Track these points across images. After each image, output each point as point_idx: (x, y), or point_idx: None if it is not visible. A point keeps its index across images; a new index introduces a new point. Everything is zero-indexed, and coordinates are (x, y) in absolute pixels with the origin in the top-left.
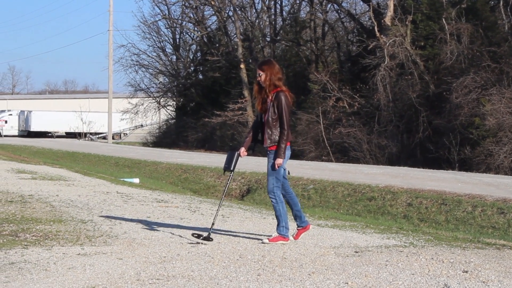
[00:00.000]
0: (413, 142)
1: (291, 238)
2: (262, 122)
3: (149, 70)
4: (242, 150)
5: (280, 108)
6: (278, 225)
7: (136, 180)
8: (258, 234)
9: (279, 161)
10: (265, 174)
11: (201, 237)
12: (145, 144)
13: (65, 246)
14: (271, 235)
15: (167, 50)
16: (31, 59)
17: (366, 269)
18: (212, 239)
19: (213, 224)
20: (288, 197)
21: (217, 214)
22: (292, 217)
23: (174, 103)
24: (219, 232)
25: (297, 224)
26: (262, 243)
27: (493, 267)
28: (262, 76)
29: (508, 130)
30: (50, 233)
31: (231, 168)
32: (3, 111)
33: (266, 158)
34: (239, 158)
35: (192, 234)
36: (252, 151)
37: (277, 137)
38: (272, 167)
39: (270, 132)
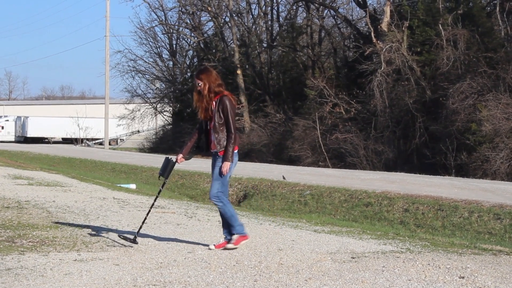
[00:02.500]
0: (410, 147)
1: (211, 246)
2: (207, 129)
3: (146, 76)
4: (180, 156)
5: (225, 112)
6: (233, 227)
7: (133, 186)
8: (254, 240)
9: (227, 164)
10: (262, 179)
11: (128, 240)
12: (142, 150)
13: (61, 252)
14: (228, 240)
15: (163, 55)
16: (27, 65)
17: (362, 275)
18: (137, 242)
19: (140, 227)
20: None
21: (145, 219)
22: (222, 226)
23: (171, 108)
24: (215, 238)
25: (225, 236)
26: (225, 249)
27: (490, 272)
28: (201, 85)
29: (505, 135)
30: (46, 239)
31: (165, 175)
32: None
33: (263, 164)
34: (175, 164)
35: (119, 236)
36: (189, 158)
37: (225, 142)
38: (220, 172)
39: (218, 137)
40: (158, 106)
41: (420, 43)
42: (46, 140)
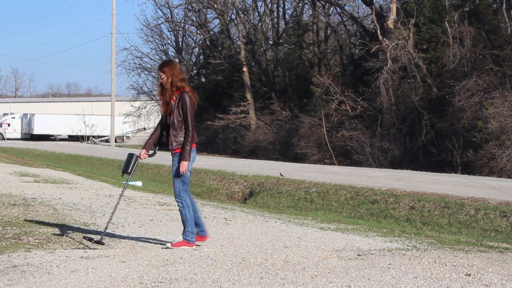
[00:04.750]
0: (416, 145)
1: (168, 245)
2: (168, 124)
3: (152, 73)
4: (143, 152)
5: (184, 109)
6: (184, 230)
7: (139, 183)
8: (260, 237)
9: (184, 163)
10: (267, 177)
11: (93, 241)
12: None
13: (67, 249)
14: (175, 240)
15: (169, 53)
16: (34, 62)
17: (368, 272)
18: (103, 243)
19: (106, 228)
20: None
21: (111, 217)
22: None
23: None
24: (221, 235)
25: (196, 232)
26: (166, 248)
27: (496, 270)
28: (164, 78)
29: (511, 133)
30: (53, 236)
31: (129, 171)
32: (6, 114)
33: (269, 161)
34: (138, 160)
35: (84, 237)
36: (152, 154)
37: (182, 139)
38: (177, 171)
39: (175, 134)
40: None
41: (426, 41)
42: (52, 137)
